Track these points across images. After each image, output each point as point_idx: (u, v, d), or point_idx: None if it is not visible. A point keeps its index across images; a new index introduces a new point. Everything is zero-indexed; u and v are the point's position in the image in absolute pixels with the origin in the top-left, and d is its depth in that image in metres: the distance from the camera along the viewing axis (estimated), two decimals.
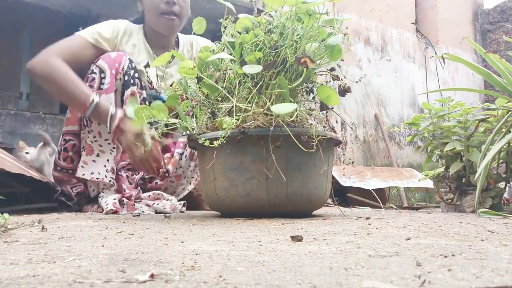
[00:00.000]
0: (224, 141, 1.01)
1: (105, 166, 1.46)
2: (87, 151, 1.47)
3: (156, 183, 1.64)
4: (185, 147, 1.67)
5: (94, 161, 1.46)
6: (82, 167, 1.45)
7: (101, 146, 1.47)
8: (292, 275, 0.42)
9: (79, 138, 1.52)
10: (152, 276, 0.40)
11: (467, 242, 0.64)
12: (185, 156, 1.68)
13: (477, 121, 1.49)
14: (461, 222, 0.96)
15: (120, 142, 1.42)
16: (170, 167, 1.64)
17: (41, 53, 1.46)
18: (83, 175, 1.44)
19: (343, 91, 1.15)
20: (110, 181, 1.46)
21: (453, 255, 0.52)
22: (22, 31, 5.21)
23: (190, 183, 1.71)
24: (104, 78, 1.47)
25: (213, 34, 1.63)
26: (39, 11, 5.10)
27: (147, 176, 1.61)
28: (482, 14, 5.01)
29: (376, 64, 3.91)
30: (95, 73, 1.49)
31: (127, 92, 1.49)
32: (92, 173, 1.44)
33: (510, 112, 1.27)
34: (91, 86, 1.48)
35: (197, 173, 1.71)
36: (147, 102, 1.59)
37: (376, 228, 0.83)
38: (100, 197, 1.45)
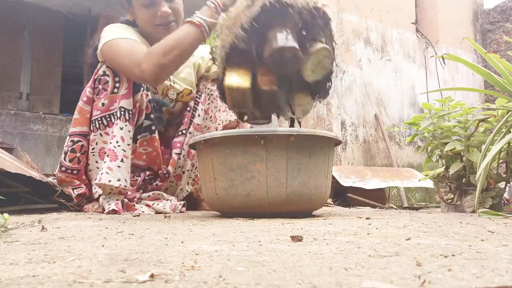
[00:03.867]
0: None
1: (128, 172, 1.43)
2: (111, 157, 1.40)
3: (157, 184, 1.64)
4: (181, 146, 1.67)
5: (119, 166, 1.40)
6: (107, 173, 1.38)
7: (125, 151, 1.42)
8: (292, 275, 0.42)
9: (86, 139, 1.50)
10: (152, 276, 0.40)
11: (467, 242, 0.64)
12: (183, 156, 1.68)
13: (477, 121, 1.49)
14: (461, 222, 0.96)
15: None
16: (170, 168, 1.64)
17: (137, 67, 1.35)
18: (109, 181, 1.37)
19: None
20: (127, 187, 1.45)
21: (453, 255, 0.52)
22: (22, 31, 5.21)
23: (188, 183, 1.71)
24: (118, 82, 1.46)
25: None
26: (39, 11, 5.10)
27: (147, 178, 1.61)
28: (482, 14, 5.01)
29: (376, 64, 3.91)
30: (107, 75, 1.47)
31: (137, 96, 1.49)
32: (119, 180, 1.39)
33: (510, 112, 1.27)
34: (104, 89, 1.47)
35: (194, 173, 1.71)
36: (152, 104, 1.59)
37: (376, 228, 0.83)
38: (102, 197, 1.45)
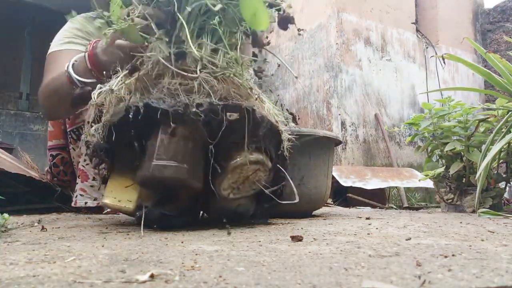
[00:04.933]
0: None
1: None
2: (82, 177, 1.36)
3: None
4: None
5: (92, 186, 1.36)
6: (81, 195, 1.35)
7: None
8: (292, 275, 0.42)
9: (65, 150, 1.47)
10: (152, 276, 0.40)
11: (467, 242, 0.64)
12: None
13: (477, 121, 1.49)
14: (461, 222, 0.96)
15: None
16: None
17: None
18: (85, 203, 1.34)
19: (285, 20, 0.86)
20: None
21: (453, 255, 0.52)
22: (22, 31, 5.21)
23: None
24: None
25: None
26: (39, 11, 5.10)
27: None
28: (482, 14, 5.01)
29: (376, 64, 3.91)
30: None
31: None
32: (95, 199, 1.35)
33: (510, 112, 1.27)
34: None
35: None
36: None
37: (376, 228, 0.83)
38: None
